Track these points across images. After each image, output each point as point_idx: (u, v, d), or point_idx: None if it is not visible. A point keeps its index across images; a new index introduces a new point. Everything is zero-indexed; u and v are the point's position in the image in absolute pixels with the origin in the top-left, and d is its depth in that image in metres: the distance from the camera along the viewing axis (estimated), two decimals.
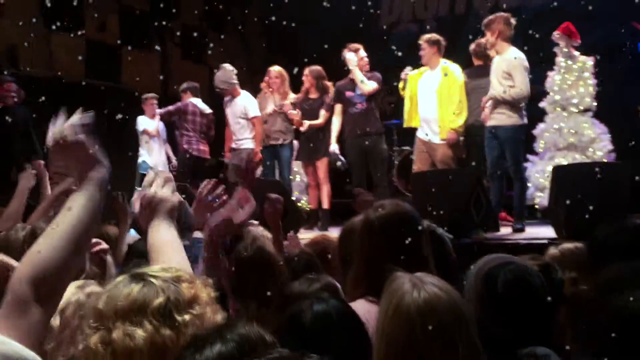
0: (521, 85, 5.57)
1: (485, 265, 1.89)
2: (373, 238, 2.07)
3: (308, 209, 6.95)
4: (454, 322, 1.43)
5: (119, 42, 9.23)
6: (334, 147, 6.54)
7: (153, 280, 1.26)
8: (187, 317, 1.23)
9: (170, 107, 7.59)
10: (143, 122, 8.12)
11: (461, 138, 6.20)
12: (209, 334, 1.18)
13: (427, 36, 6.28)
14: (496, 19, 5.76)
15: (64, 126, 1.40)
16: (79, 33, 8.62)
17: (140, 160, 8.06)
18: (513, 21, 5.74)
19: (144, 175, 7.65)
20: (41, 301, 1.18)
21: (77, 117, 1.43)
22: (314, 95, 6.76)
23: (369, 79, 6.38)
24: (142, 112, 8.19)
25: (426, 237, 2.10)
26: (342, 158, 6.53)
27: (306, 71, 6.76)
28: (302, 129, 6.68)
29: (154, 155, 8.04)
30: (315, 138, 6.61)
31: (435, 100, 6.16)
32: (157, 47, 9.46)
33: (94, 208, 1.32)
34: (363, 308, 1.89)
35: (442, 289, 1.47)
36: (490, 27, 5.74)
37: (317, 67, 6.77)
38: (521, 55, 5.66)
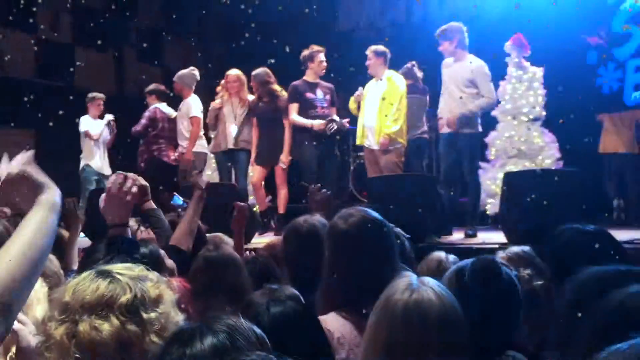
0: (489, 93, 5.75)
1: (463, 263, 1.90)
2: (344, 248, 2.02)
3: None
4: (441, 327, 1.45)
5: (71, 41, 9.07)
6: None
7: (120, 277, 1.28)
8: (152, 314, 1.25)
9: (143, 121, 7.31)
10: (86, 123, 7.78)
11: (399, 144, 6.23)
12: (194, 327, 1.18)
13: (373, 47, 6.36)
14: (453, 27, 5.88)
15: (5, 166, 1.42)
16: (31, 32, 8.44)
17: (82, 163, 7.75)
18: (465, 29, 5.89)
19: (89, 180, 7.53)
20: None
21: (19, 157, 1.44)
22: (265, 99, 6.65)
23: (325, 88, 6.47)
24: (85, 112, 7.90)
25: (395, 245, 2.09)
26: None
27: (252, 76, 6.71)
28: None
29: (96, 159, 7.76)
30: (275, 143, 6.55)
31: (377, 109, 6.24)
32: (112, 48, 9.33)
33: (46, 230, 1.30)
34: (337, 322, 1.88)
35: (439, 294, 1.49)
36: (447, 35, 5.85)
37: (261, 72, 6.64)
38: (481, 62, 5.80)
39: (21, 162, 1.43)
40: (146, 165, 7.18)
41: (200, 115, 7.04)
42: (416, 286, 1.50)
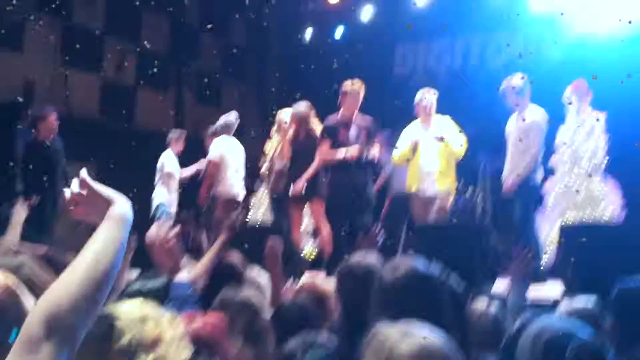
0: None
1: (542, 335, 1.82)
2: (389, 302, 1.95)
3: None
4: None
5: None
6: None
7: (120, 320, 1.28)
8: (150, 357, 1.25)
9: None
10: (170, 162, 7.59)
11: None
12: None
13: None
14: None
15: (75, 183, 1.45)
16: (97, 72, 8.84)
17: (157, 202, 7.46)
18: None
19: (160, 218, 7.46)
20: (53, 340, 1.16)
21: (83, 172, 1.47)
22: (302, 136, 6.39)
23: (360, 125, 6.13)
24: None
25: (445, 298, 2.00)
26: None
27: (292, 114, 6.44)
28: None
29: (171, 196, 7.57)
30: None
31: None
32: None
33: (114, 244, 1.30)
34: None
35: (432, 338, 1.42)
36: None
37: (302, 110, 6.34)
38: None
39: (81, 180, 1.44)
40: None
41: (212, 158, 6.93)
42: (408, 334, 1.41)
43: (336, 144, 6.07)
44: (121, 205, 1.39)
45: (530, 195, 5.82)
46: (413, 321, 1.52)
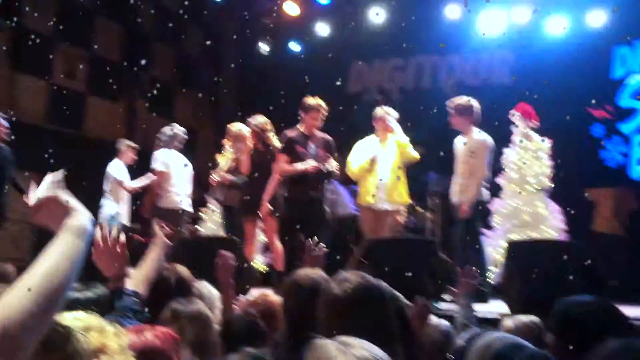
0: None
1: (491, 346, 1.82)
2: (338, 315, 1.94)
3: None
4: None
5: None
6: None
7: (59, 330, 1.23)
8: None
9: None
10: (119, 172, 7.43)
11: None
12: None
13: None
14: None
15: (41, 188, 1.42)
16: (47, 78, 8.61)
17: (107, 211, 7.31)
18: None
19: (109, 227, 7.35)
20: (2, 356, 1.11)
21: (49, 177, 1.43)
22: (260, 149, 6.38)
23: (319, 141, 6.14)
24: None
25: (392, 312, 2.01)
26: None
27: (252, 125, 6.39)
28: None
29: (121, 207, 7.45)
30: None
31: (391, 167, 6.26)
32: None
33: (70, 258, 1.23)
34: None
35: (370, 351, 1.41)
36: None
37: (260, 122, 6.33)
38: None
39: (50, 183, 1.41)
40: None
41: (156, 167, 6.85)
42: (345, 349, 1.41)
43: (295, 158, 6.06)
44: (80, 217, 1.34)
45: (476, 216, 5.95)
46: (357, 335, 1.54)
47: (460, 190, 6.00)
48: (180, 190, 6.83)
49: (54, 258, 1.22)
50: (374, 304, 1.97)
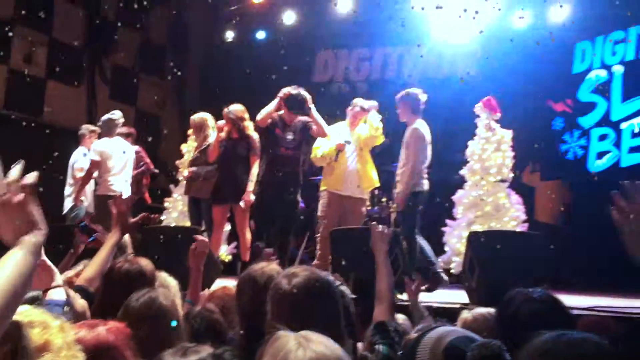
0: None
1: (443, 339, 1.83)
2: (285, 310, 1.91)
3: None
4: None
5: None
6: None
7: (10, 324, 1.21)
8: None
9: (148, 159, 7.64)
10: (82, 160, 7.26)
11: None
12: None
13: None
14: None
15: (6, 182, 1.30)
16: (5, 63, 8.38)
17: (71, 201, 7.21)
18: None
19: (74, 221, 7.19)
20: None
21: (17, 172, 1.32)
22: (235, 135, 6.27)
23: (296, 131, 6.11)
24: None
25: (342, 306, 2.00)
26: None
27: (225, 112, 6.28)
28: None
29: (86, 195, 7.24)
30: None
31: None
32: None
33: (25, 274, 1.21)
34: None
35: (329, 347, 1.41)
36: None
37: (237, 110, 6.25)
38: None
39: (24, 184, 1.30)
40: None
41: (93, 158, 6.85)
42: (304, 343, 1.42)
43: (272, 139, 6.06)
44: (37, 235, 1.29)
45: (412, 206, 5.85)
46: (310, 329, 1.54)
47: (399, 181, 5.98)
48: (118, 178, 6.82)
49: (8, 274, 1.19)
50: (323, 299, 1.95)
